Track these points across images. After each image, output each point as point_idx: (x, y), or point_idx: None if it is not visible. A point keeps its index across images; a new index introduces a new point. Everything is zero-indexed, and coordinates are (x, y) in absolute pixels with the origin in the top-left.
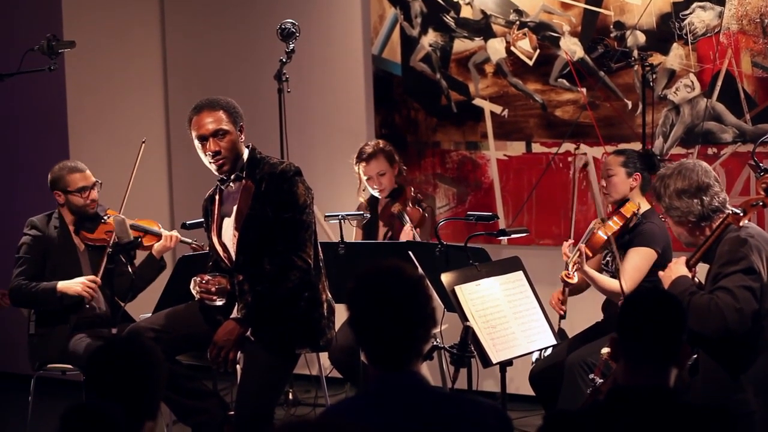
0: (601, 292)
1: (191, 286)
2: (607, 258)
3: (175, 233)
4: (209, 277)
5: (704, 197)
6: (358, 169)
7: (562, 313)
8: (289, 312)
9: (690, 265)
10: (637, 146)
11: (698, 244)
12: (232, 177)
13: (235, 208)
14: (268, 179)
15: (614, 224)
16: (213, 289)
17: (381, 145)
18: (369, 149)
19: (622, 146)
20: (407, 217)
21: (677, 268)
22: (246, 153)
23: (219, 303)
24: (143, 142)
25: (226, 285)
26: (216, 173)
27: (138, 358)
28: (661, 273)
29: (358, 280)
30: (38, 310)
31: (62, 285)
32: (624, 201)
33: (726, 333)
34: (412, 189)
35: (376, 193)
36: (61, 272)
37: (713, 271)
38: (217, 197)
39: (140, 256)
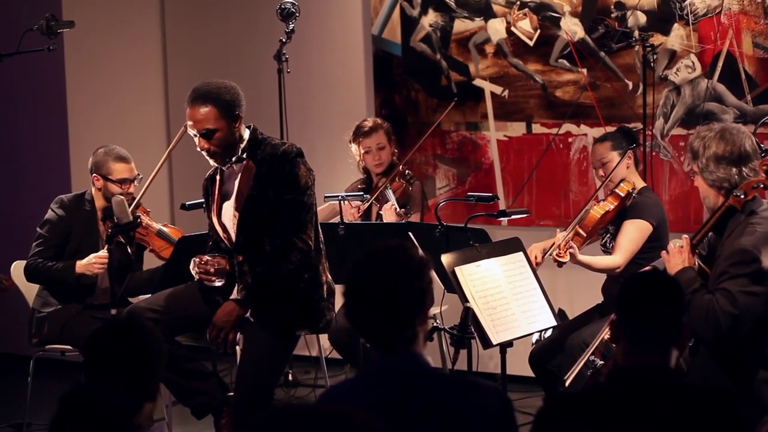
0: (599, 272)
1: (191, 267)
2: (605, 239)
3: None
4: (208, 258)
5: (743, 168)
6: (357, 146)
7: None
8: (289, 293)
9: (693, 246)
10: (635, 127)
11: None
12: (233, 159)
13: (235, 188)
14: (270, 160)
15: (609, 204)
16: (212, 269)
17: (380, 121)
18: (369, 123)
19: (609, 130)
20: (390, 192)
21: (682, 257)
22: (246, 134)
23: (218, 284)
24: (185, 126)
25: (225, 266)
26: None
27: (137, 339)
28: (664, 254)
29: (353, 263)
30: (51, 288)
31: (81, 267)
32: (619, 182)
33: (719, 338)
34: (401, 166)
35: (372, 168)
36: (81, 257)
37: (721, 267)
38: (217, 177)
39: (157, 262)
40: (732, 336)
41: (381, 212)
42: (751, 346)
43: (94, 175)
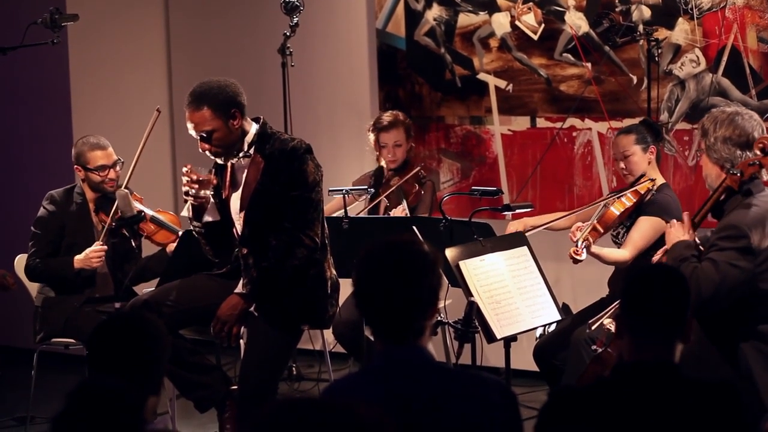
0: (607, 264)
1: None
2: (618, 229)
3: None
4: (193, 167)
5: (749, 152)
6: (378, 137)
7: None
8: (293, 289)
9: (695, 224)
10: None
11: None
12: (240, 154)
13: (243, 181)
14: (278, 156)
15: (628, 200)
16: (195, 177)
17: (401, 117)
18: (390, 118)
19: (626, 123)
20: (403, 194)
21: (683, 231)
22: (253, 128)
23: (202, 194)
24: (158, 110)
25: (211, 179)
26: None
27: (140, 332)
28: (667, 228)
29: (368, 252)
30: (52, 284)
31: (79, 262)
32: (639, 177)
33: (698, 304)
34: (419, 166)
35: (383, 163)
36: (77, 250)
37: (711, 240)
38: (229, 165)
39: (153, 249)
40: (712, 303)
41: (390, 213)
42: (741, 324)
43: (76, 166)
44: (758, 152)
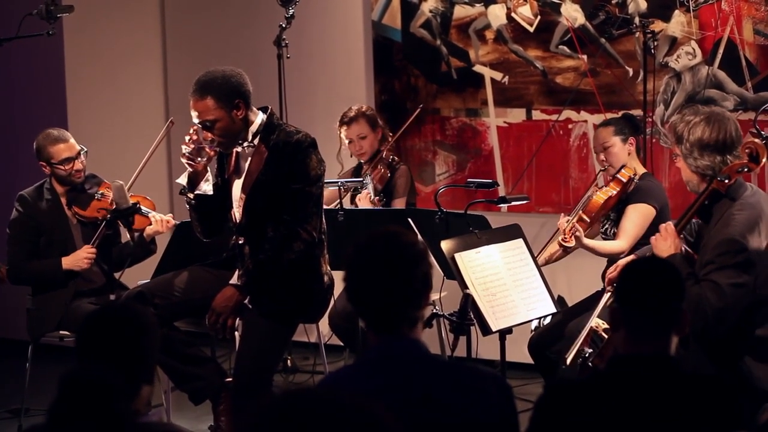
0: (603, 256)
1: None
2: (606, 225)
3: (169, 218)
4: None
5: (728, 156)
6: (341, 133)
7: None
8: (289, 282)
9: (678, 231)
10: (636, 114)
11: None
12: (244, 144)
13: (245, 170)
14: (282, 148)
15: (611, 189)
16: (195, 138)
17: (363, 109)
18: (351, 113)
19: (610, 116)
20: (369, 180)
21: (667, 242)
22: (259, 118)
23: (197, 160)
24: (171, 121)
25: (210, 151)
26: None
27: (127, 323)
28: (653, 239)
29: (356, 246)
30: (38, 285)
31: (68, 263)
32: (620, 168)
33: (706, 330)
34: (386, 152)
35: (355, 157)
36: (56, 246)
37: (708, 256)
38: (234, 151)
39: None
40: (720, 328)
41: (357, 199)
42: (737, 331)
43: (40, 162)
44: (746, 157)
